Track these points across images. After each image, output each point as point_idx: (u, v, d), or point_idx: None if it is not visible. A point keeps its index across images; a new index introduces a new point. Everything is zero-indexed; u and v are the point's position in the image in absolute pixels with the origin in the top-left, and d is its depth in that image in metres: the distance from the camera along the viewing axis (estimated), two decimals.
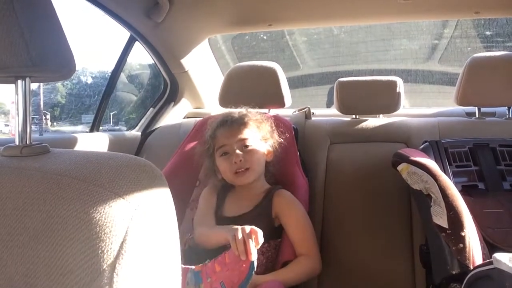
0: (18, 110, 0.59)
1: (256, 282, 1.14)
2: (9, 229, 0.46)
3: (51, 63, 0.57)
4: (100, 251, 0.43)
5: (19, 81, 0.58)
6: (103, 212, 0.44)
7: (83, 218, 0.44)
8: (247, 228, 1.08)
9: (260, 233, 1.06)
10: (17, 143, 0.58)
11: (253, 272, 1.04)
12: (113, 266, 0.43)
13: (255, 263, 1.05)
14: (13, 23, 0.52)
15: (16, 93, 0.59)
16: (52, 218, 0.45)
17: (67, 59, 0.60)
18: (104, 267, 0.42)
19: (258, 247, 1.06)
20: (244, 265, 1.05)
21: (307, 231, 1.33)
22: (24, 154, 0.56)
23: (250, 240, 1.05)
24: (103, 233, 0.43)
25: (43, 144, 0.58)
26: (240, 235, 1.06)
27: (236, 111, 1.47)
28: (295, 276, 1.25)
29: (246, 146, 1.36)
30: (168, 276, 0.50)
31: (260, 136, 1.41)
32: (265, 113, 1.50)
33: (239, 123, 1.40)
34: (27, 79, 0.59)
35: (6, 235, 0.46)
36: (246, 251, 1.04)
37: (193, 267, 1.12)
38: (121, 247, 0.44)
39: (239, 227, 1.09)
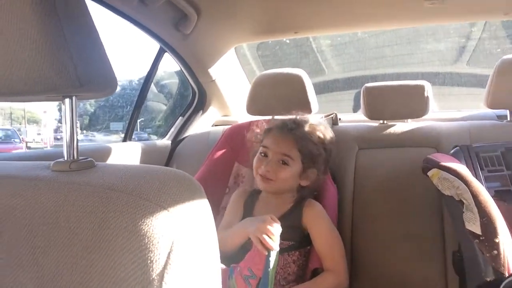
0: (65, 127, 0.63)
1: None
2: (63, 240, 0.49)
3: (96, 82, 0.60)
4: (149, 261, 0.45)
5: (67, 100, 0.62)
6: (151, 224, 0.47)
7: (132, 230, 0.47)
8: (266, 221, 1.14)
9: (278, 227, 1.14)
10: (65, 158, 0.62)
11: (270, 259, 1.08)
12: (161, 276, 0.45)
13: (273, 253, 1.10)
14: (63, 47, 0.55)
15: (64, 111, 0.63)
16: (103, 229, 0.48)
17: (110, 78, 0.63)
18: (154, 276, 0.45)
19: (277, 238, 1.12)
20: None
21: (335, 246, 1.31)
22: (73, 169, 0.59)
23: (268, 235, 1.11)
24: (151, 244, 0.46)
25: (89, 159, 0.61)
26: (260, 234, 1.11)
27: (303, 120, 1.42)
28: None
29: (283, 162, 1.33)
30: (210, 283, 0.52)
31: (305, 159, 1.35)
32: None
33: (295, 136, 1.35)
34: (74, 98, 0.62)
35: (60, 246, 0.49)
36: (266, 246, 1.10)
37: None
38: (168, 257, 0.46)
39: (257, 222, 1.16)
